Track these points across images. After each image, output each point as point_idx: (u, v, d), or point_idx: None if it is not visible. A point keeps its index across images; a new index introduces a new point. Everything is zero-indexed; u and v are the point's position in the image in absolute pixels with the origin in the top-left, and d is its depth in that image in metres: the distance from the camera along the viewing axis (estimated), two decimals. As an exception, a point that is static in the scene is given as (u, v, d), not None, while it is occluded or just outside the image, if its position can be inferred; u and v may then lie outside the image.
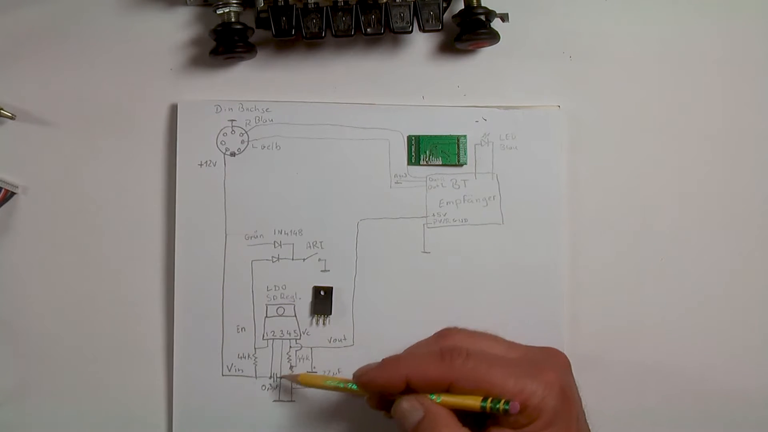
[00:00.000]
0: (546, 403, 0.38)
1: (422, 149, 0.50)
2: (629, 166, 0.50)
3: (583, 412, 0.41)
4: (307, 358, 0.49)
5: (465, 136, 0.50)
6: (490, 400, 0.38)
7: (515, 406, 0.37)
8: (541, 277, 0.49)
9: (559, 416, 0.38)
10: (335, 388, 0.44)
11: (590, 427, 0.41)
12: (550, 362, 0.41)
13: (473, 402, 0.38)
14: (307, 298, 0.49)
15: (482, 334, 0.43)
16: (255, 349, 0.49)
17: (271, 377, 0.49)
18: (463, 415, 0.40)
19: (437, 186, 0.50)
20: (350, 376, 0.49)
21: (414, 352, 0.43)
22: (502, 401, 0.37)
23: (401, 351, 0.49)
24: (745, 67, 0.51)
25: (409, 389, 0.40)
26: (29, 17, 0.50)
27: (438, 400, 0.39)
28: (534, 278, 0.49)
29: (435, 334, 0.43)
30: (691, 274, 0.50)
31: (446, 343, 0.41)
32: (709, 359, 0.50)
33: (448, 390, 0.39)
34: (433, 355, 0.40)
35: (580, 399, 0.41)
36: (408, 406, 0.40)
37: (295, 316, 0.49)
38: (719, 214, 0.50)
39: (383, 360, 0.41)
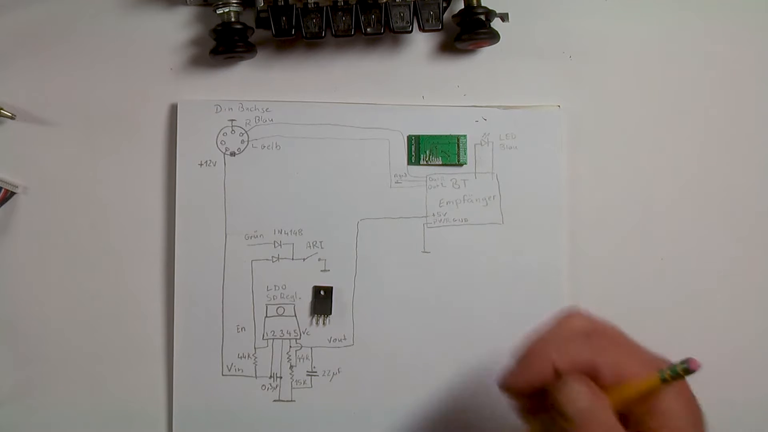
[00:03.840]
0: (676, 409, 0.36)
1: (422, 149, 0.50)
2: (629, 166, 0.50)
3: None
4: (307, 358, 0.49)
5: (465, 136, 0.50)
6: (667, 370, 0.36)
7: (695, 363, 0.36)
8: (541, 277, 0.49)
9: (689, 424, 0.37)
10: None
11: None
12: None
13: (652, 381, 0.36)
14: (307, 298, 0.49)
15: (606, 322, 0.40)
16: (255, 349, 0.49)
17: (271, 377, 0.49)
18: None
19: (437, 186, 0.50)
20: (351, 376, 0.49)
21: (556, 337, 0.38)
22: (679, 363, 0.36)
23: (403, 351, 0.49)
24: (745, 67, 0.51)
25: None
26: (29, 17, 0.50)
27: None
28: (534, 278, 0.49)
29: (559, 318, 0.40)
30: (691, 273, 0.50)
31: (585, 326, 0.38)
32: (709, 358, 0.50)
33: (595, 372, 0.36)
34: (580, 337, 0.37)
35: (702, 414, 0.39)
36: (577, 390, 0.36)
37: (295, 316, 0.49)
38: (719, 213, 0.50)
39: (524, 355, 0.38)
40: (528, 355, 0.38)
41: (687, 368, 0.35)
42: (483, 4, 0.48)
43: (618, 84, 0.51)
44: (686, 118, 0.51)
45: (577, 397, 0.36)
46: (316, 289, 0.49)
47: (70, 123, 0.50)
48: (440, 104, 0.50)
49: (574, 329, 0.38)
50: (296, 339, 0.49)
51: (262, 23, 0.47)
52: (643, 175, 0.50)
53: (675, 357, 0.49)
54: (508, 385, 0.38)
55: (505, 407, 0.49)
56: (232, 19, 0.48)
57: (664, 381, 0.36)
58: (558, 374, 0.36)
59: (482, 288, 0.49)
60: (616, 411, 0.36)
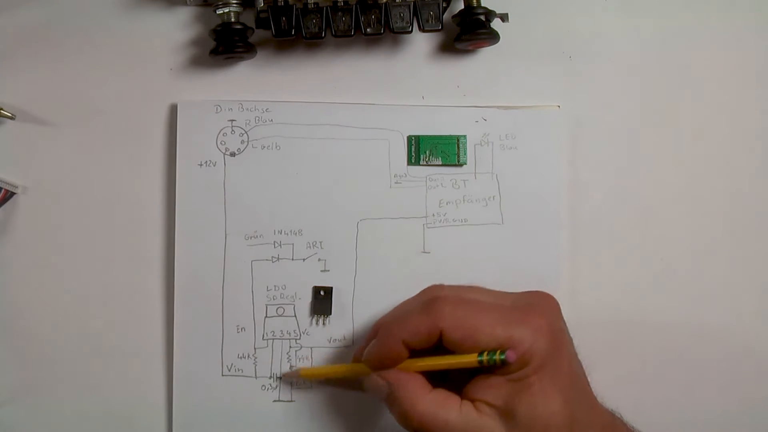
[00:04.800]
0: (535, 349, 0.38)
1: (422, 149, 0.50)
2: (629, 166, 0.50)
3: (576, 354, 0.41)
4: (307, 358, 0.49)
5: (465, 136, 0.50)
6: (486, 353, 0.38)
7: (511, 355, 0.38)
8: (541, 277, 0.49)
9: (550, 361, 0.38)
10: (339, 374, 0.46)
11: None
12: (539, 307, 0.41)
13: (470, 359, 0.39)
14: (307, 298, 0.49)
15: (470, 287, 0.43)
16: (255, 349, 0.49)
17: (271, 377, 0.49)
18: (441, 374, 0.41)
19: (437, 186, 0.50)
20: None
21: (402, 312, 0.43)
22: (498, 352, 0.38)
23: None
24: (746, 67, 0.51)
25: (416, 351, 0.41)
26: (29, 17, 0.50)
27: (428, 363, 0.40)
28: (534, 278, 0.49)
29: (420, 291, 0.44)
30: (691, 274, 0.50)
31: (432, 295, 0.42)
32: (709, 360, 0.50)
33: (442, 338, 0.39)
34: (419, 308, 0.41)
35: (571, 341, 0.41)
36: (373, 382, 0.41)
37: (295, 316, 0.49)
38: (720, 213, 0.50)
39: (378, 332, 0.42)
40: (380, 338, 0.41)
41: (504, 359, 0.38)
42: (483, 4, 0.48)
43: (618, 84, 0.51)
44: (686, 117, 0.51)
45: (378, 389, 0.41)
46: (316, 290, 0.49)
47: (70, 123, 0.50)
48: (440, 104, 0.50)
49: (412, 304, 0.43)
50: (296, 339, 0.49)
51: (262, 23, 0.47)
52: (643, 175, 0.50)
53: (677, 359, 0.50)
54: (375, 365, 0.42)
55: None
56: (232, 20, 0.48)
57: (481, 363, 0.38)
58: (408, 346, 0.40)
59: (482, 288, 0.49)
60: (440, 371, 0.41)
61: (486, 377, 0.39)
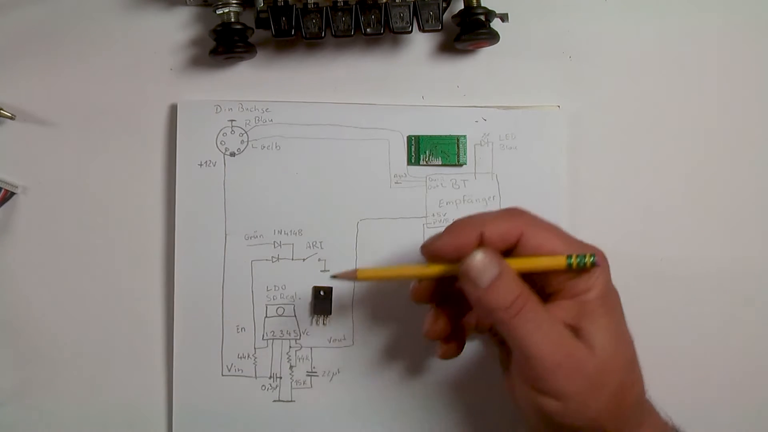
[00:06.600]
0: (599, 279, 0.39)
1: (422, 149, 0.50)
2: (629, 166, 0.50)
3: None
4: (307, 358, 0.49)
5: (465, 136, 0.50)
6: (575, 256, 0.38)
7: (600, 258, 0.38)
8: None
9: (610, 293, 0.40)
10: (403, 276, 0.43)
11: None
12: (599, 253, 0.41)
13: (558, 262, 0.38)
14: (307, 298, 0.49)
15: (543, 218, 0.42)
16: (255, 349, 0.49)
17: (271, 377, 0.49)
18: None
19: (437, 186, 0.50)
20: (352, 373, 0.49)
21: (483, 214, 0.42)
22: (587, 255, 0.38)
23: (403, 351, 0.49)
24: (745, 67, 0.51)
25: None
26: (29, 17, 0.50)
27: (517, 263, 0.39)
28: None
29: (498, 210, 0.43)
30: (691, 273, 0.50)
31: (514, 208, 0.41)
32: (709, 359, 0.50)
33: (517, 245, 0.39)
34: (503, 211, 0.41)
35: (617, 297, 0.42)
36: (484, 261, 0.38)
37: (295, 316, 0.49)
38: (719, 213, 0.50)
39: (450, 225, 0.41)
40: (458, 224, 0.40)
41: (594, 261, 0.38)
42: (483, 4, 0.48)
43: (618, 84, 0.51)
44: (686, 118, 0.51)
45: (486, 268, 0.38)
46: (316, 290, 0.49)
47: (70, 123, 0.50)
48: (440, 104, 0.50)
49: (499, 211, 0.42)
50: (296, 339, 0.49)
51: (262, 23, 0.47)
52: (642, 175, 0.50)
53: (675, 358, 0.50)
54: (432, 247, 0.40)
55: (506, 407, 0.49)
56: (232, 20, 0.48)
57: (569, 266, 0.38)
58: (482, 239, 0.39)
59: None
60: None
61: (553, 302, 0.39)
